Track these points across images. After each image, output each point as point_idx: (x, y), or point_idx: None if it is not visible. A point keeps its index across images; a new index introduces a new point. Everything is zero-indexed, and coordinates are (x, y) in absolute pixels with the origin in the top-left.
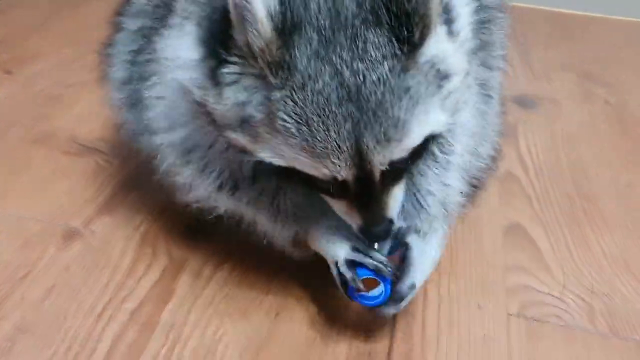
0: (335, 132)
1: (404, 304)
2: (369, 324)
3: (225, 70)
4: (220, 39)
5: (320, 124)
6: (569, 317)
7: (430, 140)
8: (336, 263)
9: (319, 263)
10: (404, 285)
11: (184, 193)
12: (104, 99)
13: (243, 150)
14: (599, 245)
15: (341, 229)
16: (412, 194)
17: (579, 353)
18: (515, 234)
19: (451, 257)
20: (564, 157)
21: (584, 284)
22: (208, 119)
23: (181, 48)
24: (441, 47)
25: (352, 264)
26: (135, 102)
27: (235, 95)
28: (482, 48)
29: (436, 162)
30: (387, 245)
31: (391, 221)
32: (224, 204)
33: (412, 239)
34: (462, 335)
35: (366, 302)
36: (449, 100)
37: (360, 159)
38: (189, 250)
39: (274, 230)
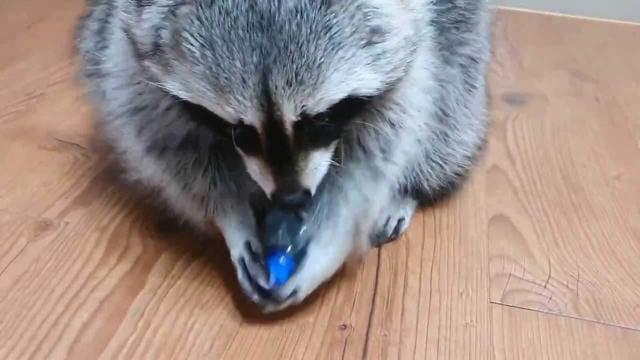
0: (240, 61)
1: (283, 305)
2: (346, 310)
3: None
4: None
5: (225, 50)
6: (553, 305)
7: (357, 105)
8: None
9: None
10: (286, 289)
11: (122, 156)
12: (74, 74)
13: (158, 84)
14: (586, 235)
15: (244, 226)
16: (325, 201)
17: (564, 340)
18: (500, 224)
19: (434, 244)
20: (552, 151)
21: (570, 272)
22: (133, 50)
23: None
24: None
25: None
26: (95, 72)
27: (150, 18)
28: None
29: (363, 167)
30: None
31: (307, 192)
32: (148, 168)
33: (311, 248)
34: (442, 323)
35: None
36: (382, 61)
37: (268, 102)
38: (164, 242)
39: (185, 206)
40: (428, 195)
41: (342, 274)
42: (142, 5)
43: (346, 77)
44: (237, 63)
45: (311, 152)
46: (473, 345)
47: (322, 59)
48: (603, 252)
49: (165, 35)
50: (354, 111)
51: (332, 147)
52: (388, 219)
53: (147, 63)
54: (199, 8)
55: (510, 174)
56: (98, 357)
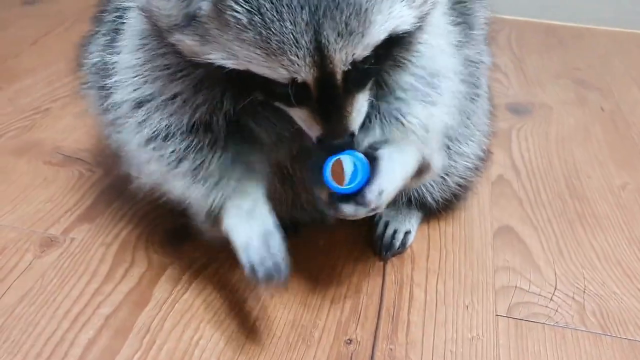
0: (291, 21)
1: (366, 209)
2: (351, 325)
3: None
4: None
5: (274, 12)
6: (559, 317)
7: (396, 42)
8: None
9: (299, 270)
10: (371, 190)
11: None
12: (78, 88)
13: (193, 56)
14: (591, 245)
15: (254, 213)
16: (393, 116)
17: (570, 352)
18: (505, 236)
19: (440, 257)
20: (557, 161)
21: (576, 284)
22: (153, 29)
23: None
24: None
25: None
26: (103, 73)
27: None
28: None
29: (422, 95)
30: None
31: (352, 134)
32: (149, 162)
33: (384, 150)
34: (449, 336)
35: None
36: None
37: (321, 57)
38: (169, 256)
39: (189, 194)
40: (432, 208)
41: (347, 288)
42: None
43: (387, 17)
44: (288, 24)
45: (355, 95)
46: (479, 359)
47: (367, 4)
48: (609, 263)
49: (205, 5)
50: (393, 49)
51: (369, 86)
52: (395, 231)
53: (178, 36)
54: None
55: (515, 184)
56: None
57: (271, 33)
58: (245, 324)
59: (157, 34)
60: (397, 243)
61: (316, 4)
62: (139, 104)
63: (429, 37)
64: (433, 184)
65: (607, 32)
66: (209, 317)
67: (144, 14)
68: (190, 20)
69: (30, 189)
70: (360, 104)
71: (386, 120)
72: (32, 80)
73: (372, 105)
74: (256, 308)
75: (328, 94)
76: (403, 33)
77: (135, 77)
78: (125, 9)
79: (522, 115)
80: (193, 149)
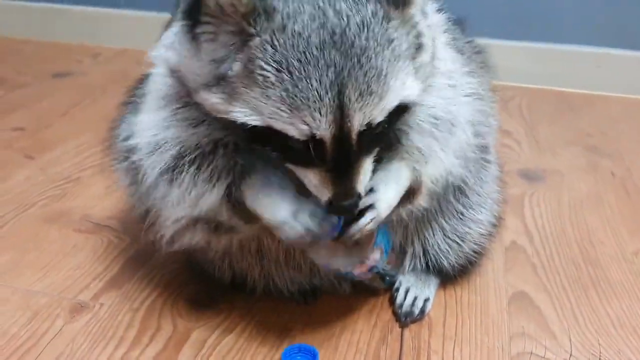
0: (317, 80)
1: (362, 223)
2: None
3: (199, 30)
4: (193, 3)
5: (302, 70)
6: None
7: (404, 110)
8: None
9: (318, 336)
10: (365, 200)
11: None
12: (109, 163)
13: (217, 115)
14: (606, 312)
15: (276, 187)
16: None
17: None
18: (520, 302)
19: (456, 323)
20: (570, 227)
21: (592, 351)
22: (183, 89)
23: (164, 42)
24: (418, 19)
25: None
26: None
27: (213, 52)
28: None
29: (426, 130)
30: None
31: (359, 196)
32: (162, 191)
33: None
34: None
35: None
36: (421, 72)
37: (341, 115)
38: (194, 320)
39: (205, 191)
40: (448, 273)
41: (366, 354)
42: (198, 41)
43: (402, 86)
44: (314, 82)
45: (364, 158)
46: None
47: (387, 69)
48: (624, 330)
49: (235, 66)
50: (400, 116)
51: (375, 152)
52: (415, 299)
53: (204, 95)
54: (272, 36)
55: (529, 250)
56: None
57: (298, 90)
58: None
59: (181, 95)
60: (417, 310)
61: (342, 64)
62: (157, 147)
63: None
64: (449, 249)
65: (617, 99)
66: None
67: (172, 74)
68: (220, 80)
69: (61, 256)
70: (368, 167)
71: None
72: (63, 150)
73: None
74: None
75: (342, 153)
76: (410, 103)
77: (155, 126)
78: (148, 76)
79: (533, 182)
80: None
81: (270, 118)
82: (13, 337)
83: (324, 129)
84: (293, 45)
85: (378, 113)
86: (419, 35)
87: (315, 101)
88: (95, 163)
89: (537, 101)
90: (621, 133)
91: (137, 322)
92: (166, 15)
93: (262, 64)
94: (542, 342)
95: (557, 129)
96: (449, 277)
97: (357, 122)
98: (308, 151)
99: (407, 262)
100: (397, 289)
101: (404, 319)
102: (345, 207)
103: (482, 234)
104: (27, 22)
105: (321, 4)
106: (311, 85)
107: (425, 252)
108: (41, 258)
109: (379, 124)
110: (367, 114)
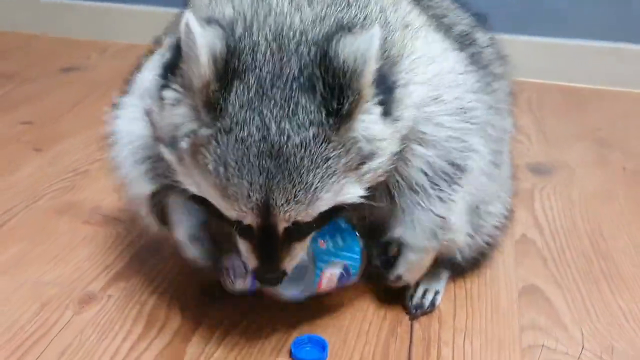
0: (248, 182)
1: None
2: None
3: (167, 93)
4: (172, 64)
5: (237, 170)
6: None
7: (339, 209)
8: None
9: (328, 326)
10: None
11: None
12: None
13: (171, 170)
14: (618, 305)
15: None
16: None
17: None
18: (531, 295)
19: (466, 315)
20: (580, 220)
21: (604, 343)
22: (151, 127)
23: (149, 68)
24: (371, 127)
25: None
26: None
27: (172, 116)
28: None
29: (435, 195)
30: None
31: (284, 273)
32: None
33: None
34: None
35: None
36: (366, 177)
37: (267, 212)
38: (201, 314)
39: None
40: (460, 266)
41: (375, 344)
42: (164, 102)
43: (335, 195)
44: (245, 182)
45: (292, 244)
46: None
47: (318, 184)
48: (636, 322)
49: (185, 142)
50: (336, 213)
51: (308, 238)
52: (425, 291)
53: (162, 149)
54: (218, 133)
55: (539, 243)
56: None
57: (230, 184)
58: None
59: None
60: (427, 303)
61: (274, 173)
62: (143, 160)
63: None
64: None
65: (626, 94)
66: None
67: (146, 115)
68: (173, 142)
69: (70, 247)
70: (296, 251)
71: (406, 220)
72: (71, 143)
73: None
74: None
75: (268, 240)
76: (348, 204)
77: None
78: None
79: (543, 175)
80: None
81: (207, 195)
82: (23, 327)
83: (250, 219)
84: (234, 148)
85: (304, 216)
86: (369, 146)
87: (243, 197)
88: (103, 156)
89: (546, 96)
90: (631, 127)
91: (145, 315)
92: (174, 11)
93: (205, 152)
94: (553, 334)
95: (567, 123)
96: (460, 270)
97: (282, 220)
98: (237, 226)
99: None
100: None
101: (414, 311)
102: (268, 279)
103: (495, 227)
104: (35, 17)
105: (267, 121)
106: (242, 184)
107: None
108: (50, 250)
109: (308, 222)
110: (292, 216)
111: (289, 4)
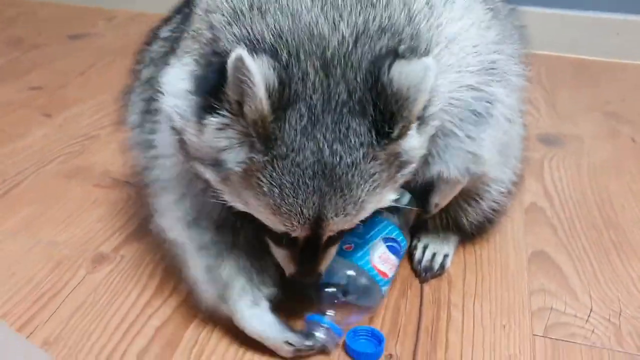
0: (302, 200)
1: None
2: (391, 341)
3: (213, 118)
4: (213, 86)
5: (292, 191)
6: (596, 338)
7: (375, 212)
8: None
9: None
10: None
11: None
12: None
13: (207, 184)
14: (628, 273)
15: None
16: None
17: None
18: (540, 261)
19: (476, 280)
20: (590, 191)
21: (612, 307)
22: (181, 146)
23: (176, 77)
24: (411, 140)
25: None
26: (141, 142)
27: (217, 140)
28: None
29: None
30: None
31: (320, 274)
32: (176, 232)
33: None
34: (486, 355)
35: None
36: (399, 183)
37: (316, 225)
38: None
39: (198, 282)
40: (467, 231)
41: (386, 307)
42: (203, 124)
43: (377, 203)
44: (299, 201)
45: (330, 249)
46: None
47: (365, 197)
48: None
49: (234, 165)
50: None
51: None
52: (434, 255)
53: (199, 167)
54: (274, 159)
55: (549, 212)
56: None
57: (284, 203)
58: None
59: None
60: (437, 266)
61: (326, 191)
62: (177, 181)
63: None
64: (467, 207)
65: (637, 66)
66: None
67: (174, 133)
68: (216, 164)
69: (82, 209)
70: (332, 254)
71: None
72: (80, 109)
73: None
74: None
75: (310, 248)
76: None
77: (173, 159)
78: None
79: (553, 146)
80: (213, 243)
81: (256, 212)
82: (37, 285)
83: (299, 232)
84: (290, 172)
85: (349, 225)
86: (405, 157)
87: (297, 214)
88: (112, 122)
89: (556, 68)
90: None
91: (159, 273)
92: None
93: (261, 177)
94: (562, 298)
95: (577, 96)
96: (468, 235)
97: (330, 231)
98: (281, 238)
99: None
100: (415, 246)
101: (424, 274)
102: (305, 283)
103: (501, 193)
104: None
105: (320, 145)
106: (297, 203)
107: (443, 209)
108: (62, 212)
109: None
110: (339, 227)
111: (325, 21)
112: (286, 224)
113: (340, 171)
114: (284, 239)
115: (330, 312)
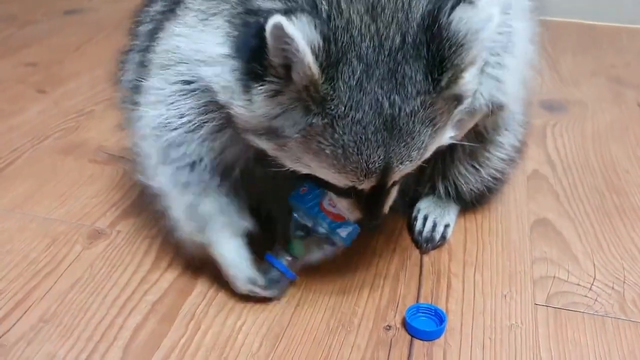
0: (367, 155)
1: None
2: (390, 312)
3: (260, 87)
4: (255, 52)
5: (356, 149)
6: (599, 306)
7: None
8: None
9: (339, 259)
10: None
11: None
12: (117, 102)
13: (262, 152)
14: (630, 238)
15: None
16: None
17: (611, 340)
18: (542, 228)
19: (477, 249)
20: (593, 156)
21: (615, 274)
22: (226, 118)
23: (209, 42)
24: (466, 82)
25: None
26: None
27: (268, 108)
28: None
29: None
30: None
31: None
32: (162, 176)
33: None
34: (487, 324)
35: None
36: (456, 119)
37: (382, 176)
38: None
39: (185, 224)
40: (467, 200)
41: (385, 277)
42: (250, 93)
43: (438, 143)
44: (364, 157)
45: (392, 190)
46: (519, 346)
47: (427, 141)
48: None
49: (291, 131)
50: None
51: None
52: (434, 225)
53: (253, 139)
54: (334, 120)
55: (552, 179)
56: (151, 357)
57: (349, 162)
58: (287, 310)
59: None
60: (437, 236)
61: (389, 142)
62: (167, 130)
63: None
64: (467, 174)
65: None
66: (251, 304)
67: (215, 104)
68: (270, 132)
69: (77, 185)
70: (394, 194)
71: None
72: (76, 84)
73: None
74: (297, 295)
75: (375, 195)
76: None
77: (162, 105)
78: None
79: (556, 112)
80: (196, 183)
81: (319, 172)
82: (33, 261)
83: (366, 185)
84: (351, 130)
85: (413, 168)
86: (459, 93)
87: (363, 170)
88: (108, 97)
89: (560, 34)
90: None
91: (155, 249)
92: None
93: (321, 139)
94: (565, 266)
95: (581, 61)
96: (468, 204)
97: (395, 178)
98: (346, 191)
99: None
100: (415, 217)
101: (425, 245)
102: (372, 226)
103: (502, 159)
104: None
105: (379, 98)
106: (362, 159)
107: (443, 176)
108: (58, 187)
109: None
110: (404, 172)
111: None
112: (352, 179)
113: (401, 121)
114: (350, 193)
115: (287, 257)
